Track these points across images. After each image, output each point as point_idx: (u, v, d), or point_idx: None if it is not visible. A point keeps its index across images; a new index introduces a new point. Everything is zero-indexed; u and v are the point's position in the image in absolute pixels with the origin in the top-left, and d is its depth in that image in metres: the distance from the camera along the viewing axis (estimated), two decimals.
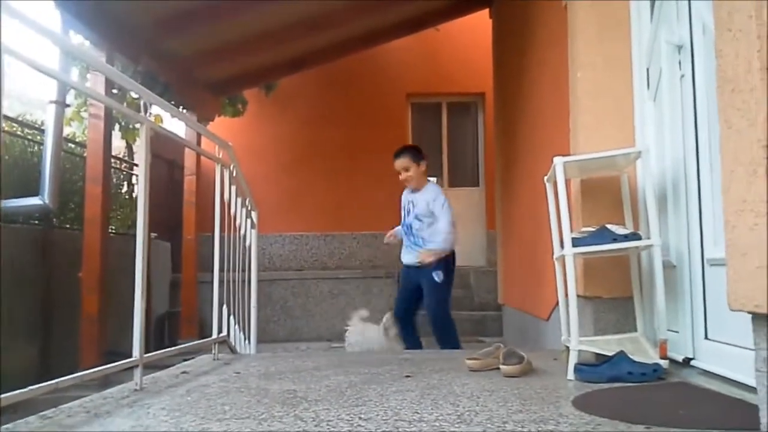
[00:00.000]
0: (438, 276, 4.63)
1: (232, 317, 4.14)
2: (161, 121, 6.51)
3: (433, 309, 4.75)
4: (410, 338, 4.97)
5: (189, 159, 7.13)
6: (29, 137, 6.26)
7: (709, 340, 2.60)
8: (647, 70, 3.33)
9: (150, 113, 3.06)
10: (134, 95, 6.98)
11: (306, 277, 8.39)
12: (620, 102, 3.47)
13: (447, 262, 4.73)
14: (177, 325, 7.03)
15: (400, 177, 4.94)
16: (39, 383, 2.10)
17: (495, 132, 7.29)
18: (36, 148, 6.15)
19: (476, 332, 7.21)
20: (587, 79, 3.54)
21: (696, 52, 2.74)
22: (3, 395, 1.90)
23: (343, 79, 9.53)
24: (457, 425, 1.92)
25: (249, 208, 4.67)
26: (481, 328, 7.36)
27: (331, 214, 9.49)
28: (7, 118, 6.06)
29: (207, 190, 7.24)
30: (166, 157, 8.30)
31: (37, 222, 5.71)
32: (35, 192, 5.34)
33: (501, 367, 2.87)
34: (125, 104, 6.46)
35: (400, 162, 4.92)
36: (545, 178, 3.32)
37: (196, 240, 7.01)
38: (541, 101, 4.66)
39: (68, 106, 5.87)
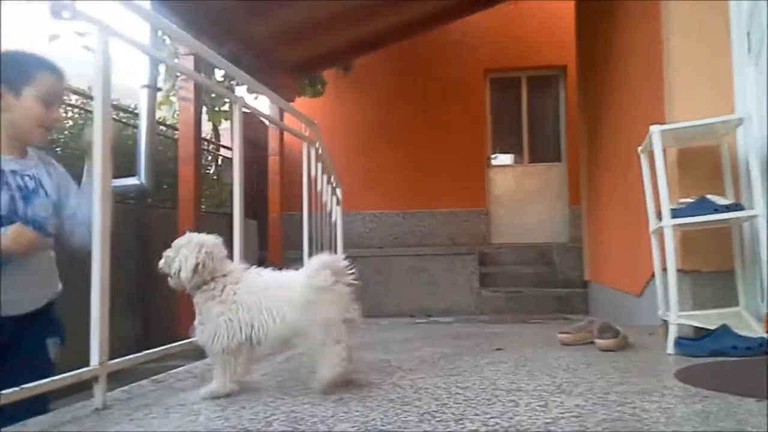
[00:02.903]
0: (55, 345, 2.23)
1: None
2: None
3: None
4: None
5: (273, 139, 7.29)
6: (123, 120, 6.56)
7: None
8: (747, 33, 3.16)
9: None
10: (219, 79, 7.20)
11: (387, 254, 8.47)
12: (718, 68, 3.31)
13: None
14: None
15: (46, 117, 2.15)
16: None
17: (578, 105, 7.10)
18: (130, 131, 6.45)
19: (561, 310, 7.11)
20: (682, 46, 3.40)
21: None
22: (121, 359, 2.03)
23: (420, 56, 9.49)
24: (557, 395, 1.91)
25: (334, 185, 4.75)
26: (566, 305, 7.25)
27: (410, 191, 9.52)
28: None
29: (289, 169, 7.42)
30: (249, 137, 8.51)
31: (133, 201, 6.01)
32: (131, 173, 5.61)
33: (596, 341, 2.82)
34: (211, 91, 6.67)
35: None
36: (639, 148, 3.22)
37: (281, 219, 7.19)
38: (632, 70, 4.49)
39: (159, 89, 6.10)
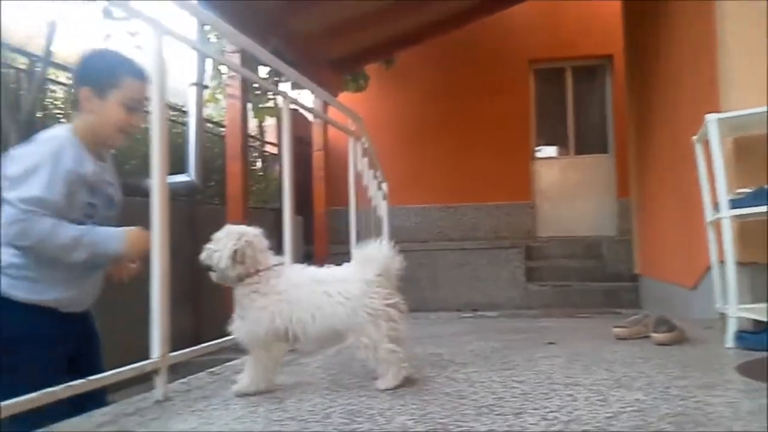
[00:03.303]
0: None
1: None
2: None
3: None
4: None
5: (317, 134, 7.33)
6: (172, 118, 6.69)
7: None
8: None
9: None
10: (264, 76, 7.27)
11: (431, 248, 8.44)
12: None
13: None
14: None
15: (127, 122, 2.15)
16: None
17: (627, 95, 6.95)
18: (178, 128, 6.57)
19: (609, 304, 6.99)
20: (738, 32, 3.31)
21: None
22: (180, 351, 2.07)
23: (462, 49, 9.41)
24: (615, 390, 1.88)
25: (380, 179, 4.76)
26: (615, 299, 7.11)
27: (454, 185, 9.46)
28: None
29: (334, 165, 7.46)
30: (293, 133, 8.60)
31: (183, 198, 6.12)
32: (180, 170, 5.72)
33: (652, 335, 2.76)
34: (255, 89, 6.76)
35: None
36: (694, 138, 3.14)
37: (326, 214, 7.23)
38: (684, 58, 4.38)
39: (206, 87, 6.20)
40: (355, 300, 1.90)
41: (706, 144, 2.96)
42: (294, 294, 1.95)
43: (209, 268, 2.00)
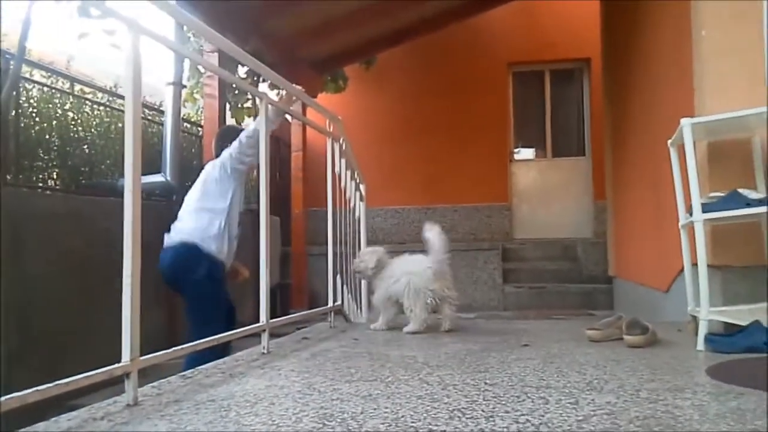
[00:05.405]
0: None
1: (345, 287, 4.24)
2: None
3: None
4: None
5: (296, 136, 7.32)
6: (148, 117, 6.61)
7: None
8: None
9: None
10: (242, 76, 7.22)
11: (409, 249, 8.41)
12: (750, 59, 3.26)
13: None
14: (288, 296, 7.29)
15: None
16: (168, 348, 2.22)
17: (604, 98, 7.01)
18: (154, 128, 6.50)
19: (585, 305, 7.05)
20: (713, 36, 3.35)
21: None
22: (152, 355, 2.04)
23: (442, 50, 9.44)
24: (587, 392, 1.89)
25: (357, 181, 4.75)
26: (590, 301, 7.18)
27: (432, 186, 9.47)
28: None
29: (312, 166, 7.44)
30: (271, 133, 8.55)
31: (158, 198, 6.05)
32: (156, 170, 5.65)
33: (624, 337, 2.79)
34: (234, 88, 6.72)
35: None
36: (669, 141, 3.17)
37: (304, 214, 7.21)
38: (660, 62, 4.43)
39: (184, 87, 6.15)
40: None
41: (680, 148, 3.00)
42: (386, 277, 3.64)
43: (358, 272, 3.82)
